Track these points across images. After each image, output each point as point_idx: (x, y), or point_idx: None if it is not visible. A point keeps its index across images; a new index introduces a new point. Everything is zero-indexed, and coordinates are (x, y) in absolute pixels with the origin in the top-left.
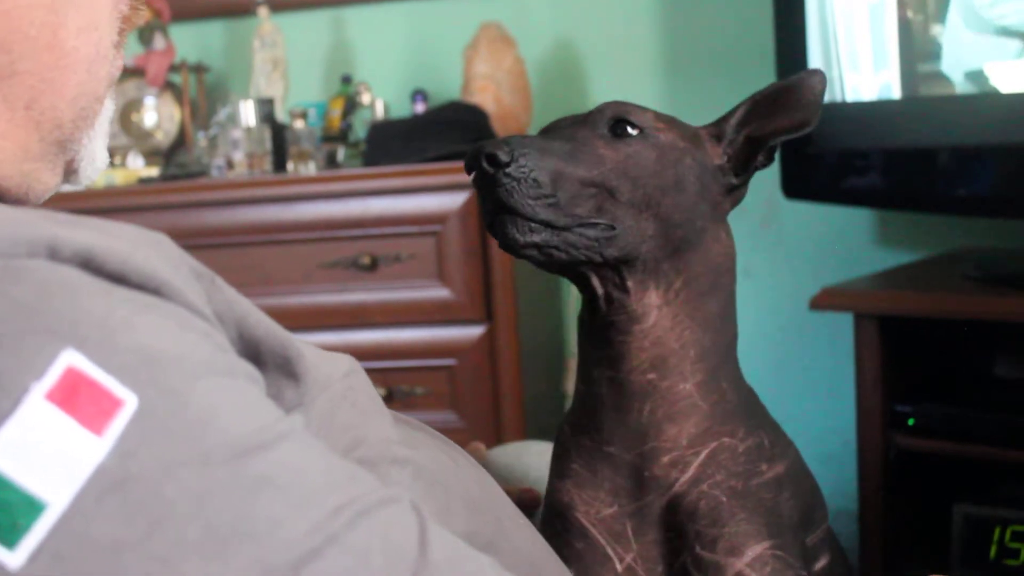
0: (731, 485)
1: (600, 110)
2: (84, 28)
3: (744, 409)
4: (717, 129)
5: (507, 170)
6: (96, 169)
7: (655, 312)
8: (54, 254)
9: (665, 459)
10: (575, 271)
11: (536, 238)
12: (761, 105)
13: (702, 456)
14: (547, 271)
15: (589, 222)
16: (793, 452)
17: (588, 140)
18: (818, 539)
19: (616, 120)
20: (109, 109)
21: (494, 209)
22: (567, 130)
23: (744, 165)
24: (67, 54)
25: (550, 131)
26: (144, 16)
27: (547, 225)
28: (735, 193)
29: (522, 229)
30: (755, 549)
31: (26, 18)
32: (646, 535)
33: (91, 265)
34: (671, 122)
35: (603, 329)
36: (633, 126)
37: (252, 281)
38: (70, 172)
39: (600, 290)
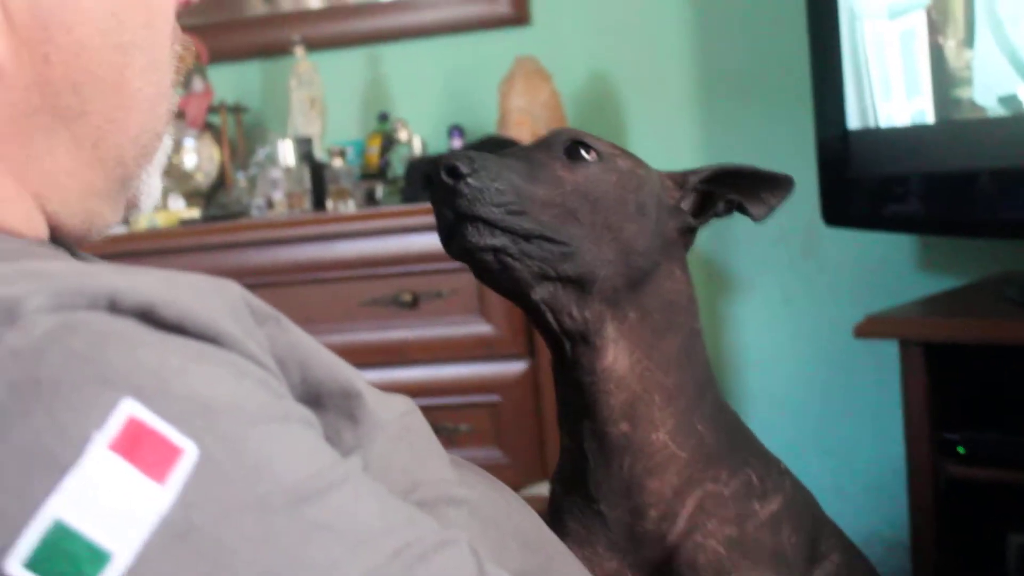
0: (727, 534)
1: (555, 134)
2: (147, 68)
3: (726, 448)
4: (681, 177)
5: (468, 180)
6: (153, 200)
7: (612, 347)
8: (114, 306)
9: (653, 513)
10: (527, 298)
11: (495, 241)
12: (728, 177)
13: (689, 506)
14: (496, 288)
15: (548, 236)
16: (788, 481)
17: (545, 162)
18: (829, 571)
19: (572, 143)
20: (167, 144)
21: (453, 220)
22: (522, 153)
23: (701, 211)
24: (132, 95)
25: (504, 154)
26: (192, 55)
27: (510, 232)
28: (688, 237)
29: (483, 232)
30: None
31: (95, 59)
32: None
33: (150, 316)
34: (627, 152)
35: (572, 369)
36: (589, 149)
37: (294, 320)
38: (131, 206)
39: (554, 323)
